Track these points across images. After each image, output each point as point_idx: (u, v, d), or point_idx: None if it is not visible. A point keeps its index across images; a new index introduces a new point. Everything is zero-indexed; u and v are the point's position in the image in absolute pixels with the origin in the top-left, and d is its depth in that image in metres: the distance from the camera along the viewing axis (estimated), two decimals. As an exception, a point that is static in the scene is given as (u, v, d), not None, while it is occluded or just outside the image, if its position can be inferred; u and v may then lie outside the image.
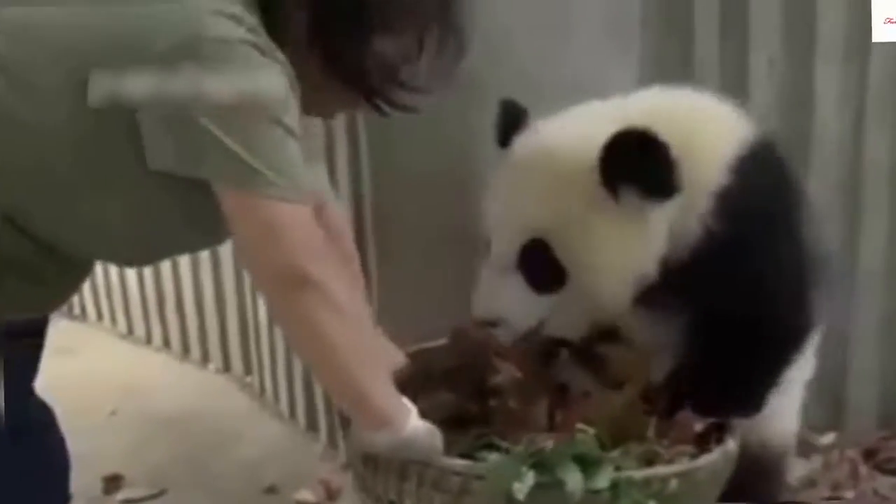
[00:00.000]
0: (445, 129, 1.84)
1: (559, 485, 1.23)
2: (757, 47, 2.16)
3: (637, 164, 1.34)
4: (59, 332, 1.65)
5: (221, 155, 1.19)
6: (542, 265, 1.44)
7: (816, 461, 2.21)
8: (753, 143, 1.46)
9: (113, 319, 3.60)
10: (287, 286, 1.23)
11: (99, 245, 1.35)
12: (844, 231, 2.27)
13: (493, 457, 1.30)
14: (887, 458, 2.24)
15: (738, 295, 1.42)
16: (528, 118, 1.56)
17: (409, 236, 1.97)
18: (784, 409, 1.67)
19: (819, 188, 2.21)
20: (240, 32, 1.20)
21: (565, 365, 1.59)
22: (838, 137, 2.22)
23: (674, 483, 1.30)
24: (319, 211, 1.43)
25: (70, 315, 3.61)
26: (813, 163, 2.21)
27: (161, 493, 2.34)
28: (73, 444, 1.62)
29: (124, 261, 1.54)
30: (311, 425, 2.58)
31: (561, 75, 1.80)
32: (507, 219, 1.48)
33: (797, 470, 2.17)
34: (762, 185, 1.45)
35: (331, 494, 2.27)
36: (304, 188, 1.24)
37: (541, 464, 1.24)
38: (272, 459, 2.47)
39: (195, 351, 3.22)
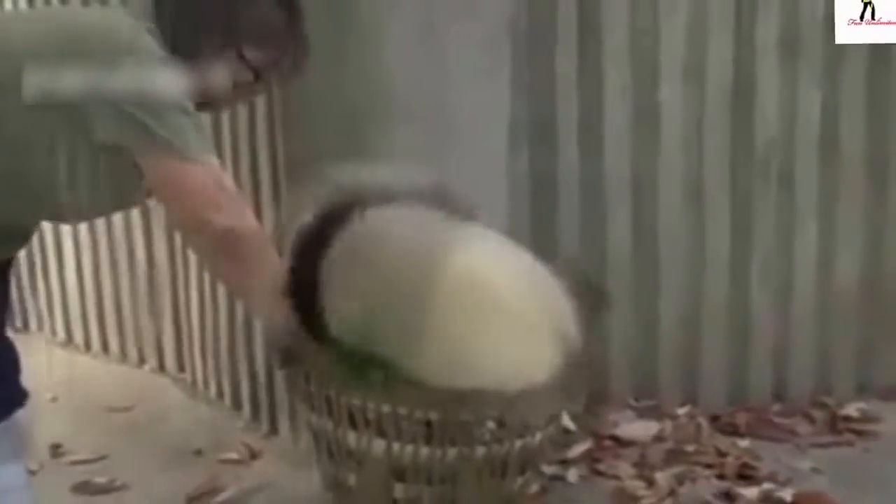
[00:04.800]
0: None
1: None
2: (611, 76, 2.60)
3: None
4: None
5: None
6: None
7: (668, 424, 2.61)
8: None
9: (53, 330, 3.83)
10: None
11: None
12: (691, 230, 2.70)
13: None
14: (728, 423, 2.64)
15: None
16: None
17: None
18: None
19: (669, 195, 2.67)
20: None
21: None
22: (683, 148, 2.66)
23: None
24: None
25: (11, 327, 3.83)
26: (661, 172, 2.66)
27: (102, 457, 2.62)
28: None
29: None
30: (236, 404, 2.88)
31: (436, 96, 2.17)
32: None
33: (650, 429, 2.57)
34: None
35: (253, 454, 2.58)
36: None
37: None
38: (200, 431, 2.77)
39: (132, 353, 3.48)
